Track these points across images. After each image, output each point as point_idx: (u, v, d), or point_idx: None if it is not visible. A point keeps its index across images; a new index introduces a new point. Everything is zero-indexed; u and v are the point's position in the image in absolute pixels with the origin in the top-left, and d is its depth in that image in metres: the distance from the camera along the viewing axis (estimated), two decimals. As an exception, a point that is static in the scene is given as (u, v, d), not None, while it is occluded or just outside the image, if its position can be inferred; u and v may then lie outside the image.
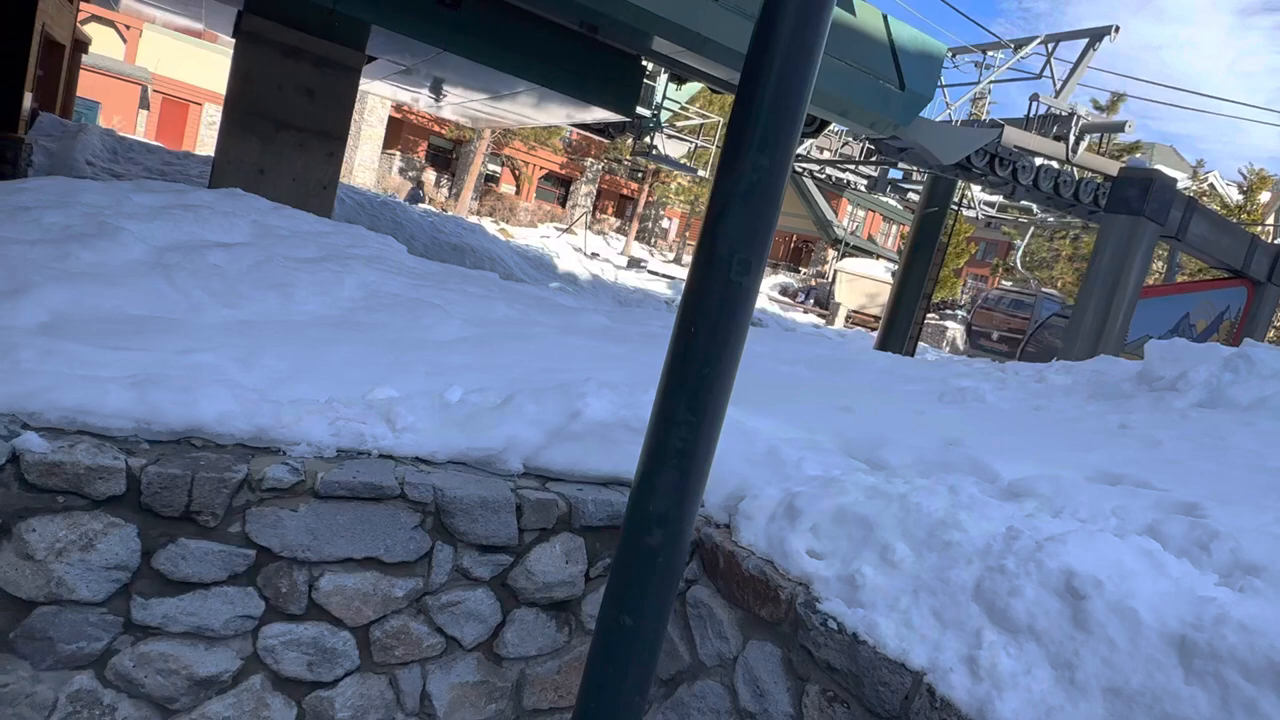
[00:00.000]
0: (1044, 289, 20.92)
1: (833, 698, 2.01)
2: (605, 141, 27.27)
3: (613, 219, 38.36)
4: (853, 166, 18.10)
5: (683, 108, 16.16)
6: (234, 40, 10.85)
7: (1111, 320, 8.94)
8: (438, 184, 32.58)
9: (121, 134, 17.65)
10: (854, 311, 26.64)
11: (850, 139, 17.39)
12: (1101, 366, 5.27)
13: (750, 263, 1.67)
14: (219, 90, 12.17)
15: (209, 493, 2.00)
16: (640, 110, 13.71)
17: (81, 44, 18.27)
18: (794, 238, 40.94)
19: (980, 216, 19.74)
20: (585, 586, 2.57)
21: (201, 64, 26.46)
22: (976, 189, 17.65)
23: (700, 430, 1.72)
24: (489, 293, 5.04)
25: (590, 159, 36.25)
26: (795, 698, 2.11)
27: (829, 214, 32.99)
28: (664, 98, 14.79)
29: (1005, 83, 15.31)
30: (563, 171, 36.78)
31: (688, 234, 37.36)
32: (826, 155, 18.26)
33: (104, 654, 1.98)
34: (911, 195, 18.95)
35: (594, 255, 24.92)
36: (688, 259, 35.13)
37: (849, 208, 36.17)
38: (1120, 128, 14.16)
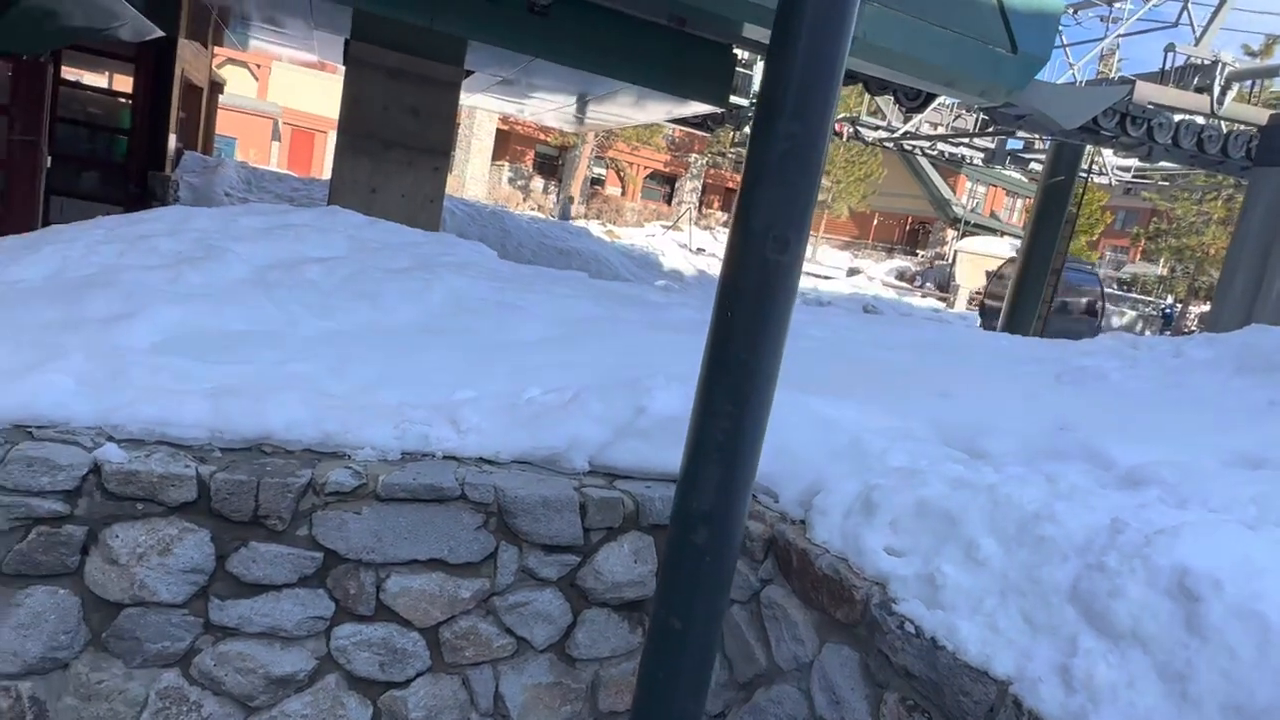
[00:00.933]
0: (1075, 259, 18.77)
1: (912, 706, 1.84)
2: (707, 136, 27.09)
3: (719, 213, 38.06)
4: (967, 140, 17.16)
5: (781, 94, 15.78)
6: (344, 68, 11.44)
7: (1267, 286, 8.00)
8: (545, 190, 33.34)
9: (255, 165, 19.01)
10: (976, 293, 25.27)
11: (963, 110, 16.49)
12: (1252, 338, 4.70)
13: (788, 239, 1.55)
14: (336, 118, 12.94)
15: (274, 497, 2.05)
16: (736, 100, 13.48)
17: (218, 85, 19.82)
18: (909, 219, 39.31)
19: (1114, 182, 18.27)
20: (655, 586, 2.49)
21: (323, 94, 28.16)
22: (1108, 153, 16.32)
23: (744, 421, 1.61)
24: (576, 292, 5.04)
25: (694, 154, 36.11)
26: (873, 705, 1.95)
27: (945, 192, 31.46)
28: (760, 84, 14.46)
29: (1136, 35, 14.07)
30: (667, 169, 36.82)
31: (796, 223, 36.58)
32: (940, 130, 17.39)
33: (187, 653, 2.07)
34: (1034, 165, 17.77)
35: (700, 251, 24.79)
36: (798, 249, 34.37)
37: (967, 184, 34.36)
38: (1276, 72, 12.73)
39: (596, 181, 35.62)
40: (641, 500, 2.44)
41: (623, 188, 36.48)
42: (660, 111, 14.15)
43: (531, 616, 2.37)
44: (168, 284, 3.87)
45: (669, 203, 36.74)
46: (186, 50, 13.71)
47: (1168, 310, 25.69)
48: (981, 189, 35.71)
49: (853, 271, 28.28)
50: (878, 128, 16.54)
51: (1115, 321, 24.14)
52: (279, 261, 4.39)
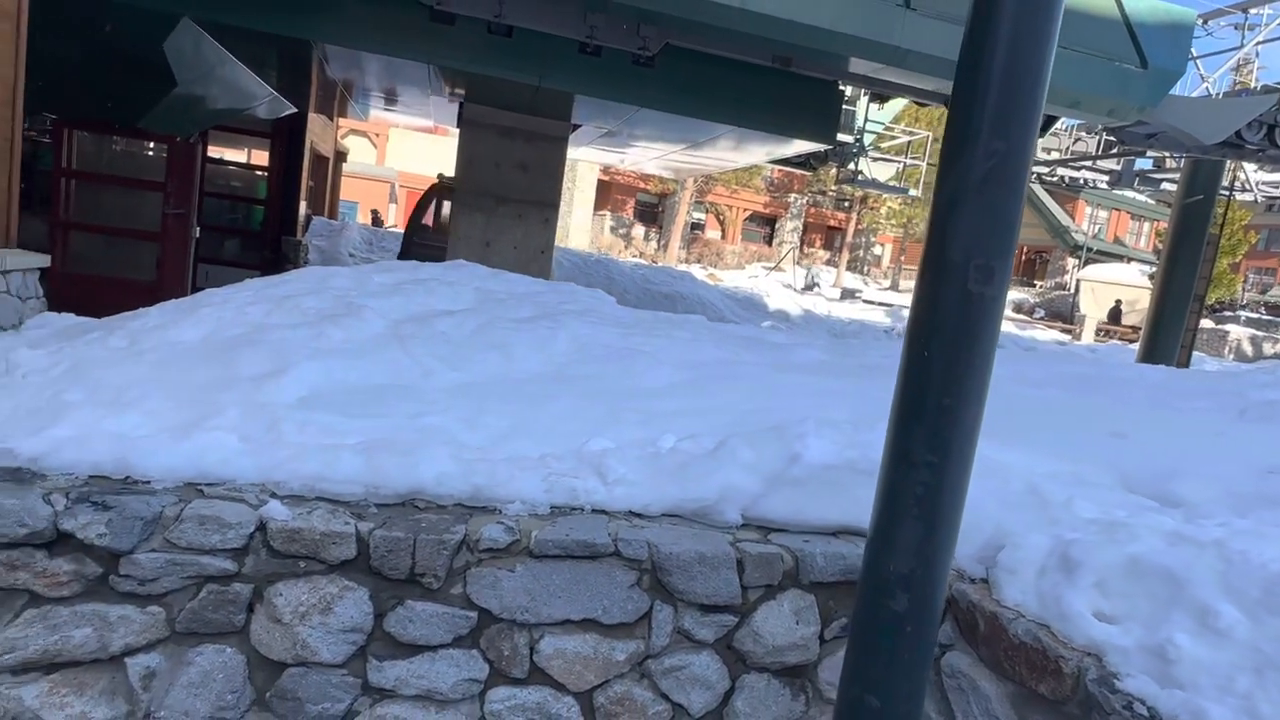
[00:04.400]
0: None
1: (1150, 804, 1.58)
2: (807, 175, 26.84)
3: (821, 252, 37.52)
4: (1089, 163, 16.28)
5: (887, 127, 15.48)
6: (458, 130, 11.97)
7: None
8: (646, 238, 33.79)
9: (373, 227, 20.09)
10: (1104, 323, 23.74)
11: (1083, 133, 15.70)
12: None
13: (993, 269, 1.39)
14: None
15: (430, 554, 2.01)
16: (841, 136, 13.29)
17: (342, 154, 21.21)
18: (1025, 249, 37.57)
19: (1260, 199, 16.89)
20: (820, 650, 2.30)
21: (434, 156, 29.67)
22: (1250, 168, 15.13)
23: (945, 472, 1.44)
24: (697, 336, 4.95)
25: (793, 194, 35.88)
26: (1097, 799, 1.70)
27: (1064, 219, 29.94)
28: (866, 120, 14.25)
29: (1276, 41, 13.06)
30: (766, 210, 36.69)
31: (902, 259, 35.57)
32: (1055, 155, 16.59)
33: (346, 715, 2.03)
34: (1166, 186, 16.66)
35: (804, 290, 24.40)
36: (905, 285, 33.39)
37: (1087, 209, 32.60)
38: None
39: (696, 226, 35.85)
40: (801, 556, 2.27)
41: (722, 231, 36.55)
42: (761, 152, 14.10)
43: (688, 681, 2.22)
44: (311, 340, 4.01)
45: (769, 243, 36.52)
46: (315, 124, 14.69)
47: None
48: (1103, 213, 33.78)
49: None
50: (990, 156, 15.89)
51: (1267, 349, 22.14)
52: (411, 316, 4.50)
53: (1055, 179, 17.87)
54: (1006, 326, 22.13)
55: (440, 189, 13.19)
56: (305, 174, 14.30)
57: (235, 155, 13.84)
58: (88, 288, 7.94)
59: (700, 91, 9.88)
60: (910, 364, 1.46)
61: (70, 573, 1.85)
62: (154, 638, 1.91)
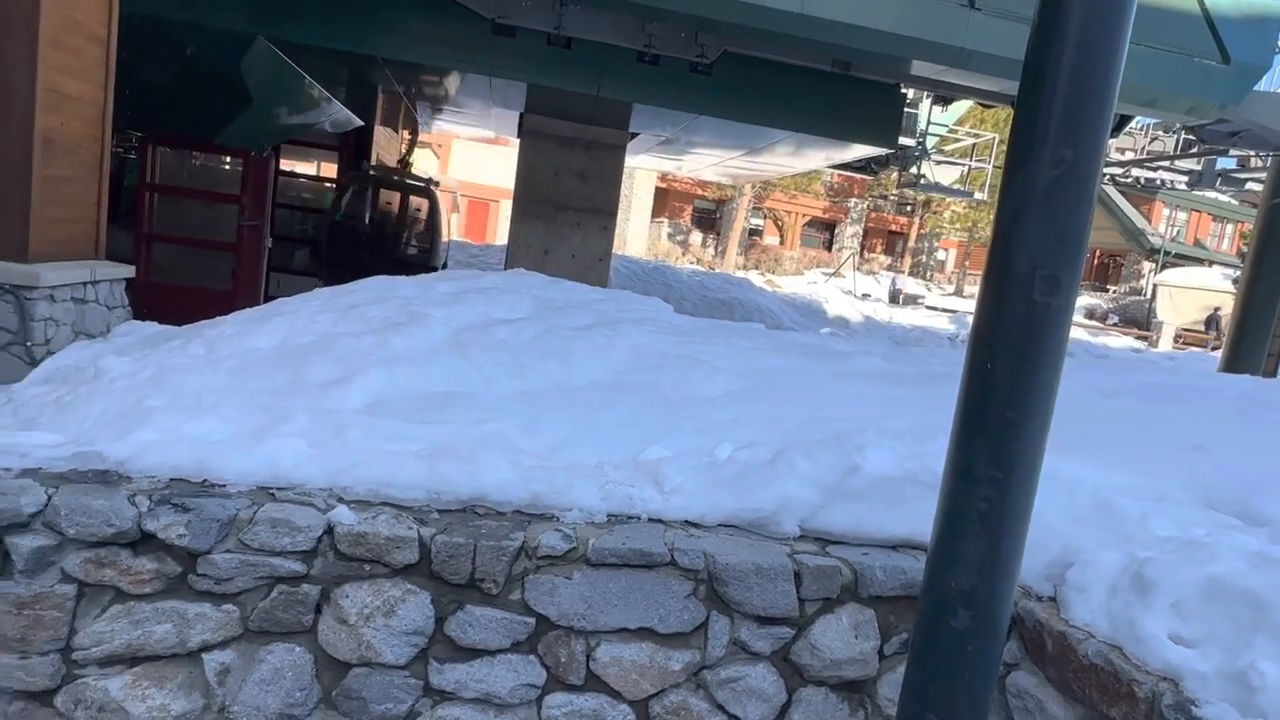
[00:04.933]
0: None
1: (1232, 839, 1.51)
2: (868, 179, 26.46)
3: (882, 257, 36.87)
4: (1167, 163, 15.64)
5: (950, 130, 15.16)
6: (518, 140, 12.18)
7: None
8: (703, 244, 33.73)
9: (437, 235, 20.54)
10: (1184, 330, 22.71)
11: (1160, 131, 15.10)
12: None
13: (1059, 279, 1.36)
14: (508, 187, 13.76)
15: (490, 560, 2.05)
16: (903, 140, 13.07)
17: (406, 166, 21.72)
18: (1097, 253, 36.26)
19: (1355, 199, 15.94)
20: (880, 665, 2.26)
21: (495, 167, 30.20)
22: (1345, 166, 14.31)
23: (1009, 488, 1.41)
24: (756, 344, 4.92)
25: (853, 199, 35.36)
26: (1173, 830, 1.63)
27: (1139, 221, 28.80)
28: (929, 123, 13.98)
29: (1373, 32, 12.32)
30: (825, 215, 36.23)
31: (967, 264, 34.67)
32: (1129, 155, 16.00)
33: (408, 716, 2.08)
34: (1251, 186, 15.89)
35: (865, 296, 24.01)
36: (969, 290, 32.55)
37: (1164, 211, 31.28)
38: None
39: (754, 232, 35.64)
40: (860, 569, 2.24)
41: (781, 236, 36.23)
42: (820, 157, 13.96)
43: (744, 693, 2.21)
44: (376, 349, 4.12)
45: (829, 249, 36.05)
46: (380, 136, 15.11)
47: None
48: (1182, 215, 32.37)
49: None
50: (1060, 157, 15.41)
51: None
52: (472, 324, 4.59)
53: (1129, 180, 17.20)
54: (1077, 333, 21.40)
55: (365, 180, 11.99)
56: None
57: (305, 168, 14.33)
58: (169, 296, 8.30)
59: (758, 98, 9.83)
60: (973, 375, 1.43)
61: (152, 571, 1.94)
62: (228, 635, 1.99)
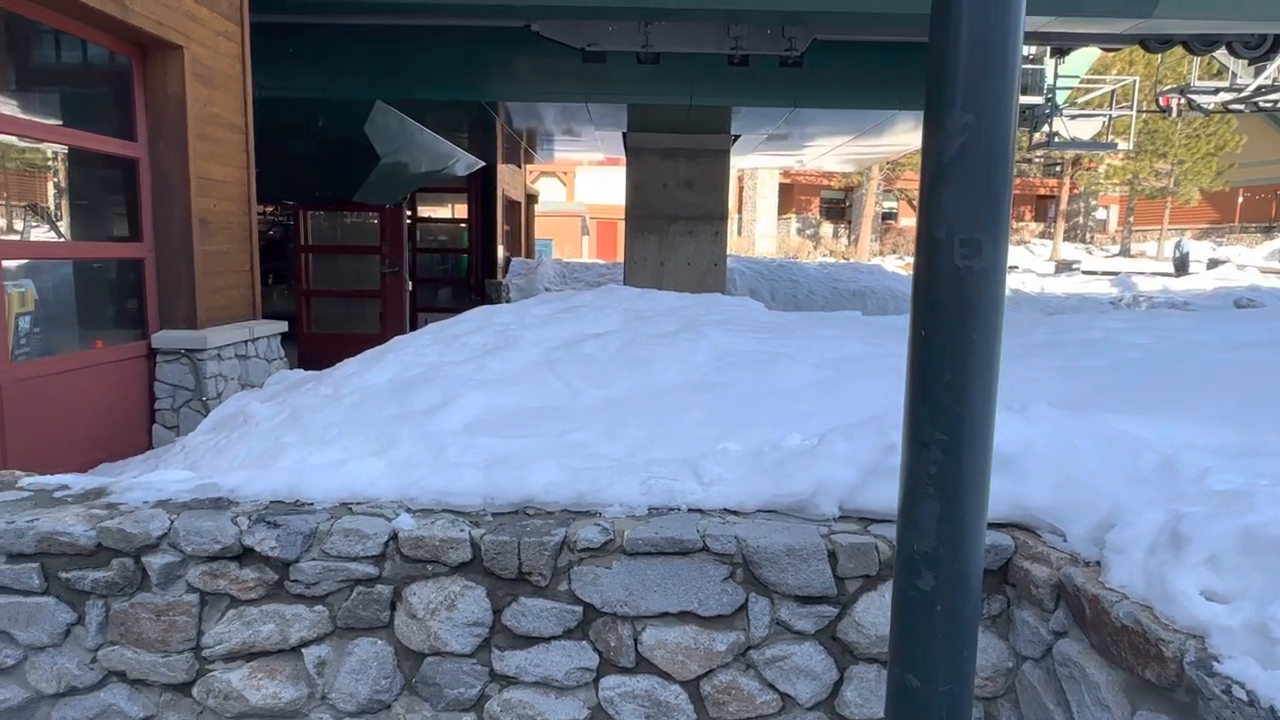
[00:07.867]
0: None
1: (1257, 799, 1.43)
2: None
3: (1032, 224, 34.45)
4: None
5: (1083, 81, 14.10)
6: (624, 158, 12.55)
7: None
8: (835, 235, 32.92)
9: (567, 260, 21.39)
10: None
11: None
12: None
13: (980, 242, 1.38)
14: (629, 204, 14.16)
15: (534, 555, 2.24)
16: (1027, 99, 12.32)
17: (532, 197, 22.82)
18: (1278, 191, 32.09)
19: None
20: (929, 641, 2.25)
21: (618, 186, 31.03)
22: None
23: (959, 450, 1.44)
24: (843, 332, 4.88)
25: (994, 167, 33.31)
26: (1206, 794, 1.55)
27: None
28: (1056, 77, 13.08)
29: None
30: (966, 188, 34.37)
31: (1131, 220, 31.67)
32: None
33: (479, 699, 2.31)
34: None
35: (1013, 268, 22.59)
36: (1136, 249, 29.78)
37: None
38: None
39: (888, 216, 34.38)
40: (898, 545, 2.24)
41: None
42: (939, 130, 13.37)
43: (792, 671, 2.27)
44: (474, 374, 4.47)
45: (972, 223, 34.11)
46: (504, 173, 15.97)
47: None
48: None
49: (1214, 263, 23.67)
50: (1218, 90, 13.94)
51: None
52: (562, 342, 4.86)
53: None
54: (1267, 281, 19.10)
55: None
56: (500, 220, 15.58)
57: (440, 212, 15.39)
58: (327, 345, 9.23)
59: (854, 81, 9.65)
60: (914, 345, 1.47)
61: (254, 579, 2.28)
62: (321, 632, 2.30)
